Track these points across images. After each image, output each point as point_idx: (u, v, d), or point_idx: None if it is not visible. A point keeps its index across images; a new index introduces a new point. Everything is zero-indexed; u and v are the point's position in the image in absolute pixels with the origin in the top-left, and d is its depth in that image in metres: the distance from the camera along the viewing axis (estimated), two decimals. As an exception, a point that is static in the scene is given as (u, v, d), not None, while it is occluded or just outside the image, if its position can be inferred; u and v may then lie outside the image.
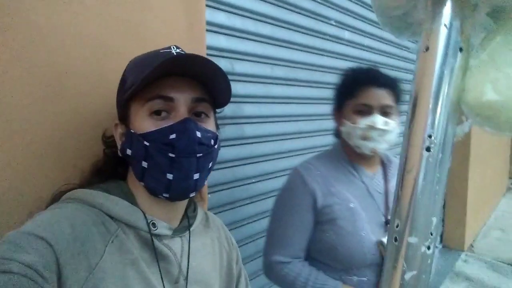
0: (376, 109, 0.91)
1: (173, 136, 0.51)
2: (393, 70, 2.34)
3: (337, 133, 1.03)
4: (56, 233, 0.44)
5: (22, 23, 0.59)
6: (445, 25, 0.36)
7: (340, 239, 0.90)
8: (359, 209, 0.92)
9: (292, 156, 1.55)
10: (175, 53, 0.55)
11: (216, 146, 0.58)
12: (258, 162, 1.41)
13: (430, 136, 0.37)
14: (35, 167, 0.62)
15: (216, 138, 0.58)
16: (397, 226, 0.40)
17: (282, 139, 1.51)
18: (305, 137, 1.61)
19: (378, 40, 2.13)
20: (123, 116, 0.57)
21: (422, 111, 0.37)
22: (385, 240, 0.88)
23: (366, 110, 0.92)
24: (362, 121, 0.91)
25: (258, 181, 1.41)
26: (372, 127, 0.90)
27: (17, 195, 0.60)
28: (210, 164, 0.58)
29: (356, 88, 0.94)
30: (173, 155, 0.51)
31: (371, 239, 0.90)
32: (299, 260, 0.95)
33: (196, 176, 0.54)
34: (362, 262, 0.89)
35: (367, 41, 2.02)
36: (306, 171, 0.97)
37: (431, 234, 0.39)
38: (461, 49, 0.36)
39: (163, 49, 0.57)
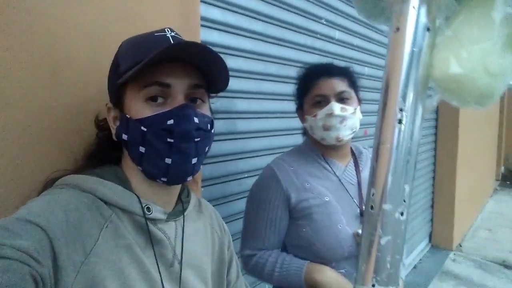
0: (332, 97, 0.93)
1: (170, 121, 0.51)
2: (381, 70, 2.39)
3: (305, 131, 1.07)
4: (49, 218, 0.45)
5: (19, 12, 0.60)
6: (413, 7, 0.39)
7: (317, 234, 0.92)
8: (334, 202, 0.94)
9: (283, 152, 1.58)
10: (170, 37, 0.55)
11: (212, 131, 0.59)
12: (250, 157, 1.44)
13: (401, 110, 0.40)
14: (30, 154, 0.63)
15: (212, 123, 0.59)
16: (373, 195, 0.43)
17: (274, 135, 1.54)
18: (296, 133, 1.65)
19: (367, 41, 2.18)
20: (117, 100, 0.57)
21: (394, 86, 0.40)
22: (360, 231, 0.91)
23: (322, 100, 0.95)
24: (321, 112, 0.93)
25: (250, 176, 1.43)
26: (330, 115, 0.92)
27: (10, 182, 0.60)
28: (207, 148, 0.59)
29: (310, 83, 0.98)
30: (171, 140, 0.52)
31: (347, 231, 0.91)
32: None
33: (194, 160, 0.55)
34: (340, 255, 0.91)
35: (356, 41, 2.07)
36: (278, 167, 0.99)
37: (404, 201, 0.42)
38: (428, 29, 0.39)
39: (157, 31, 0.56)
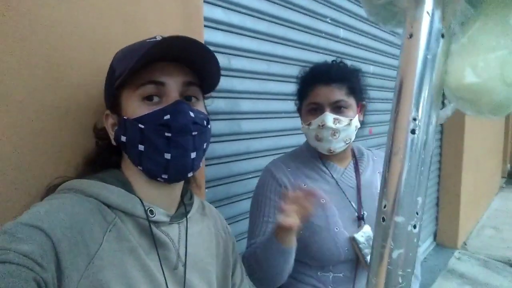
0: (326, 106, 0.90)
1: (167, 117, 0.52)
2: (386, 68, 2.37)
3: None
4: (53, 223, 0.45)
5: (20, 15, 0.60)
6: (427, 12, 0.38)
7: (313, 236, 0.90)
8: (330, 205, 0.92)
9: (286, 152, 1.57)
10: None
11: (209, 127, 0.59)
12: (255, 157, 1.43)
13: (414, 119, 0.39)
14: (31, 159, 0.62)
15: (208, 120, 0.60)
16: (384, 207, 0.42)
17: (279, 135, 1.53)
18: (301, 133, 1.63)
19: (372, 39, 2.16)
20: (114, 105, 0.58)
21: (407, 95, 0.39)
22: (357, 236, 0.89)
23: (317, 109, 0.92)
24: (314, 121, 0.91)
25: (254, 177, 1.42)
26: (322, 126, 0.89)
27: (13, 187, 0.60)
28: (205, 145, 0.59)
29: (307, 88, 0.95)
30: (169, 135, 0.52)
31: (344, 234, 0.90)
32: None
33: (193, 155, 0.55)
34: (336, 258, 0.89)
35: (362, 39, 2.04)
36: (276, 168, 0.98)
37: (417, 214, 0.41)
38: (443, 35, 0.38)
39: (149, 38, 0.58)
